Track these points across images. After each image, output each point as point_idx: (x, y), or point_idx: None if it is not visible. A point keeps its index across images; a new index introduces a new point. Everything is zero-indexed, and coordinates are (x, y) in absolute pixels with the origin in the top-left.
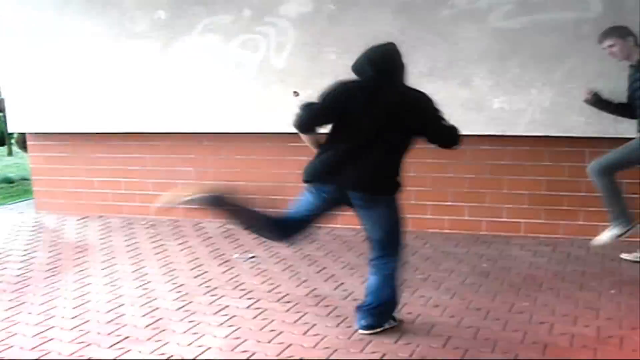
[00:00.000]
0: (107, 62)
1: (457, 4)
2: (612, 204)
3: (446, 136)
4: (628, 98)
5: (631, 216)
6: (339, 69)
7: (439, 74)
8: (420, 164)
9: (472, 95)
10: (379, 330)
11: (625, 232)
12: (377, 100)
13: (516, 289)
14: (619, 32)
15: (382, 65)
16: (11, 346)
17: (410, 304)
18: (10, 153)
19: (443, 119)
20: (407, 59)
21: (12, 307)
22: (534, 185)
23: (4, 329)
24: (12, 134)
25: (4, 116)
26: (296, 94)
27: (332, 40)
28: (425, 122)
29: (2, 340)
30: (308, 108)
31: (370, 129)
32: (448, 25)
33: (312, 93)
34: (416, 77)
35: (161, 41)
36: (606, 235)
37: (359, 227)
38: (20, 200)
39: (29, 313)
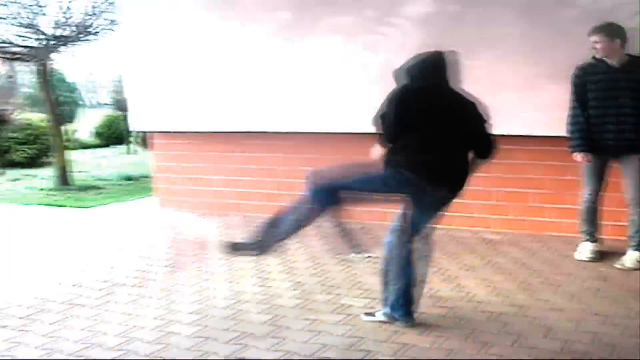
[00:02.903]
0: (229, 62)
1: (582, 3)
2: None
3: (490, 148)
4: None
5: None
6: (462, 70)
7: (562, 75)
8: (539, 166)
9: None
10: None
11: None
12: (446, 103)
13: (636, 294)
14: (608, 31)
15: (444, 75)
16: (132, 338)
17: (530, 307)
18: (129, 151)
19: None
20: (529, 60)
21: (133, 301)
22: None
23: (124, 322)
24: (131, 132)
25: (125, 115)
26: None
27: (454, 41)
28: (479, 126)
29: (123, 332)
30: (386, 124)
31: (450, 132)
32: (572, 26)
33: None
34: (537, 79)
35: (284, 42)
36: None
37: (476, 228)
38: (141, 197)
39: (150, 307)
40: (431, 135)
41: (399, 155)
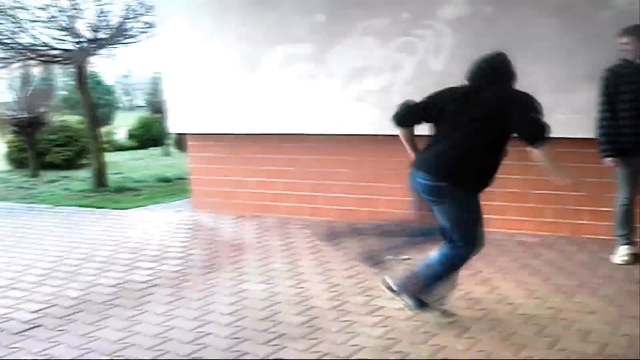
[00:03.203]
0: (265, 65)
1: (617, 5)
2: None
3: (530, 130)
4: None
5: None
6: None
7: (598, 77)
8: (576, 168)
9: None
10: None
11: None
12: (475, 99)
13: None
14: (637, 33)
15: (490, 74)
16: (170, 339)
17: (566, 310)
18: (167, 153)
19: (534, 115)
20: (565, 61)
21: (171, 302)
22: None
23: (162, 323)
24: (169, 134)
25: (161, 117)
26: None
27: (489, 43)
28: (514, 114)
29: (161, 333)
30: (405, 105)
31: (464, 124)
32: (607, 27)
33: None
34: (572, 80)
35: (319, 44)
36: None
37: (512, 231)
38: (176, 198)
39: (187, 308)
40: (442, 133)
41: None
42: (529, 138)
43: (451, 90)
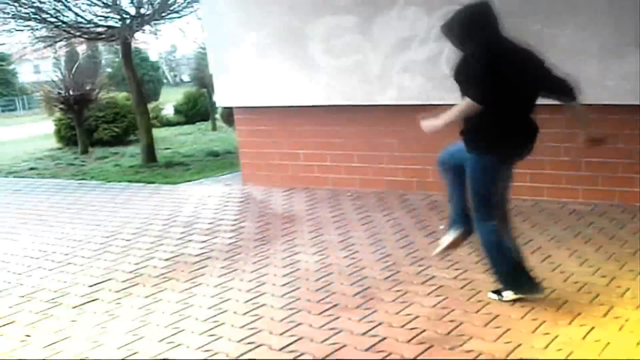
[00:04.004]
0: (310, 37)
1: None
2: None
3: (568, 85)
4: None
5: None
6: (545, 38)
7: None
8: (628, 136)
9: None
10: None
11: None
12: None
13: None
14: None
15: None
16: (225, 310)
17: (619, 278)
18: (214, 127)
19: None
20: (614, 27)
21: (225, 274)
22: None
23: (217, 295)
24: (216, 109)
25: (209, 92)
26: None
27: (536, 8)
28: (544, 75)
29: (216, 305)
30: (482, 83)
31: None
32: None
33: None
34: (623, 47)
35: (363, 15)
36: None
37: (564, 199)
38: (226, 172)
39: (241, 280)
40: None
41: None
42: (569, 94)
43: (501, 54)
